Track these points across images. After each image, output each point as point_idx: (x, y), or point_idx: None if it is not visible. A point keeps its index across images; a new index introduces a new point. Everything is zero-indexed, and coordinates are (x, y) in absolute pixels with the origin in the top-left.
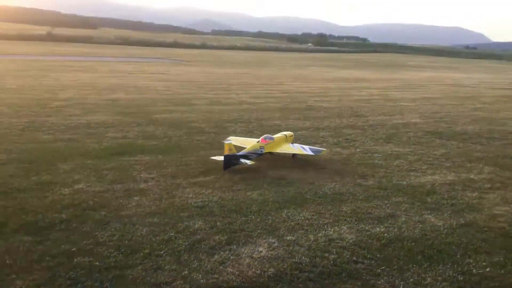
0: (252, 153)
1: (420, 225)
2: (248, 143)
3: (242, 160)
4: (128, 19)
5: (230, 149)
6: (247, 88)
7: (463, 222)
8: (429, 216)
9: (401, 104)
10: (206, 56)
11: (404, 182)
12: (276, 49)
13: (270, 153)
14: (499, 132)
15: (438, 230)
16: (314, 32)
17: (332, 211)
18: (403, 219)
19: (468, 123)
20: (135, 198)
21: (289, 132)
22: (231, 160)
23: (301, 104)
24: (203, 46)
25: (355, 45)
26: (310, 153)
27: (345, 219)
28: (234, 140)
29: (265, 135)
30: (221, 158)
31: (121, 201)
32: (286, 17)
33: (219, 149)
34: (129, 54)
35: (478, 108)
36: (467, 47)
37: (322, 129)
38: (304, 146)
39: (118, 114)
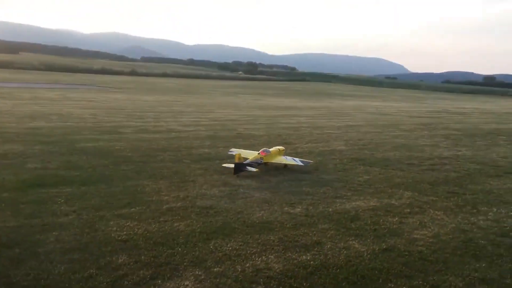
0: (255, 162)
1: (345, 252)
2: (250, 155)
3: (248, 168)
4: (53, 44)
5: (239, 158)
6: (176, 116)
7: (385, 247)
8: (353, 242)
9: (328, 131)
10: (135, 83)
11: (330, 209)
12: (207, 77)
13: (266, 163)
14: (417, 158)
15: (361, 256)
16: (245, 60)
17: (259, 240)
18: (328, 246)
19: (389, 150)
20: (54, 233)
21: (282, 147)
22: (240, 167)
23: (231, 132)
24: (133, 73)
25: (284, 74)
26: (300, 163)
27: (273, 248)
28: (236, 151)
29: (264, 148)
30: (232, 165)
31: (38, 236)
32: (217, 45)
33: (147, 178)
34: (54, 81)
35: (398, 135)
36: (388, 77)
37: None
38: (295, 158)
39: (38, 144)
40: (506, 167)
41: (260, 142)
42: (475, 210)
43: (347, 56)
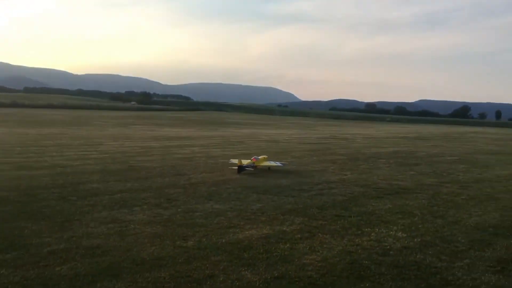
0: (250, 166)
1: (237, 283)
2: (245, 161)
3: (247, 168)
4: None
5: (240, 162)
6: (63, 150)
7: (276, 274)
8: (246, 272)
9: (222, 160)
10: (16, 116)
11: (224, 240)
12: (97, 108)
13: (256, 166)
14: (307, 184)
15: (254, 285)
16: (138, 90)
17: (150, 279)
18: (221, 279)
19: (281, 176)
20: None
21: (266, 156)
22: (242, 168)
23: (123, 165)
24: (14, 105)
25: (179, 103)
26: (280, 164)
27: (164, 286)
28: (236, 160)
29: (254, 156)
30: (236, 167)
31: None
32: (109, 75)
33: (26, 219)
34: None
35: (290, 162)
36: (280, 105)
37: (143, 190)
38: (276, 161)
39: None
40: (386, 188)
41: (153, 174)
42: (359, 232)
43: (241, 85)
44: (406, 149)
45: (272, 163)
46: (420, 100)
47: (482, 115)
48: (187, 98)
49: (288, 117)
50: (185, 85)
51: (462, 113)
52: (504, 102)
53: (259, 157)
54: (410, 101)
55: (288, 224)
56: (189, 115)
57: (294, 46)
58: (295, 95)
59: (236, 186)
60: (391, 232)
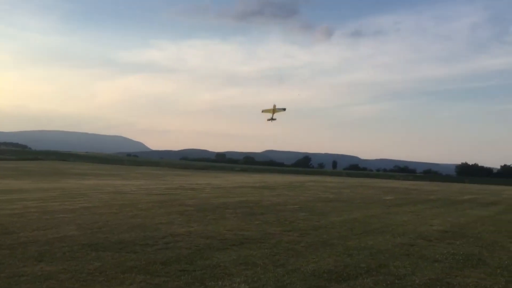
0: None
1: None
2: (269, 109)
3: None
4: None
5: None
6: None
7: None
8: None
9: (59, 216)
10: None
11: None
12: None
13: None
14: (152, 238)
15: None
16: None
17: None
18: None
19: (124, 231)
20: None
21: (275, 104)
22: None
23: None
24: None
25: (13, 152)
26: (283, 108)
27: None
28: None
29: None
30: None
31: None
32: None
33: None
34: None
35: (135, 215)
36: (129, 154)
37: None
38: (280, 107)
39: None
40: (232, 239)
41: None
42: (203, 286)
43: (87, 133)
44: (253, 198)
45: (279, 108)
46: (267, 151)
47: (321, 165)
48: (24, 146)
49: (138, 167)
50: (22, 132)
51: (304, 163)
52: (339, 153)
53: (273, 105)
54: (257, 151)
55: (128, 283)
56: (25, 165)
57: (145, 95)
58: (146, 144)
59: (73, 244)
60: (234, 285)
